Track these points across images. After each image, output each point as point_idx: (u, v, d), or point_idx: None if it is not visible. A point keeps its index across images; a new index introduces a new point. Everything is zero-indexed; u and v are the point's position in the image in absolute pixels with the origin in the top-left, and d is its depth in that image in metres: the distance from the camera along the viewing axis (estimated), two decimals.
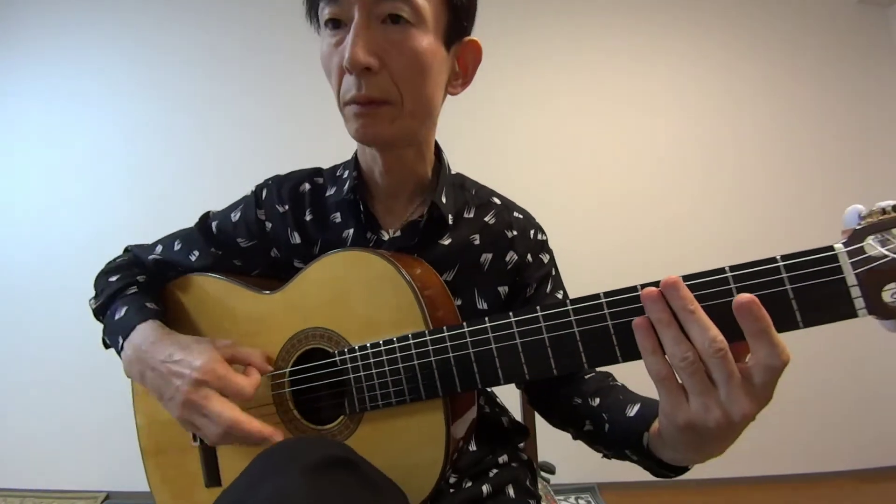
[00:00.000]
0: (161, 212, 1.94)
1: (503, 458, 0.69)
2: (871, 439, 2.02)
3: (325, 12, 0.54)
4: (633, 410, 0.54)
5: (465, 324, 0.48)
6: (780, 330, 0.34)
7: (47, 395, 1.95)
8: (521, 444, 0.74)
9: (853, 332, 1.98)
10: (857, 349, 2.03)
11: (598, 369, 0.66)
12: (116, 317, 0.63)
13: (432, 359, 0.50)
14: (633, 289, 0.38)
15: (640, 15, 2.14)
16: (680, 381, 0.38)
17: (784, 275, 0.33)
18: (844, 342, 2.03)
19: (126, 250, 0.75)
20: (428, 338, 0.50)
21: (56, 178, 2.05)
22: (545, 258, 0.72)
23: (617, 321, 0.39)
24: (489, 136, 2.07)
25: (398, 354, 0.52)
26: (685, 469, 0.49)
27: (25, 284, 2.01)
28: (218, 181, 1.99)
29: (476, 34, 0.63)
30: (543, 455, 0.95)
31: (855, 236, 0.32)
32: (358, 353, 0.54)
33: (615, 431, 0.56)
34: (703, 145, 2.11)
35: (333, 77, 0.56)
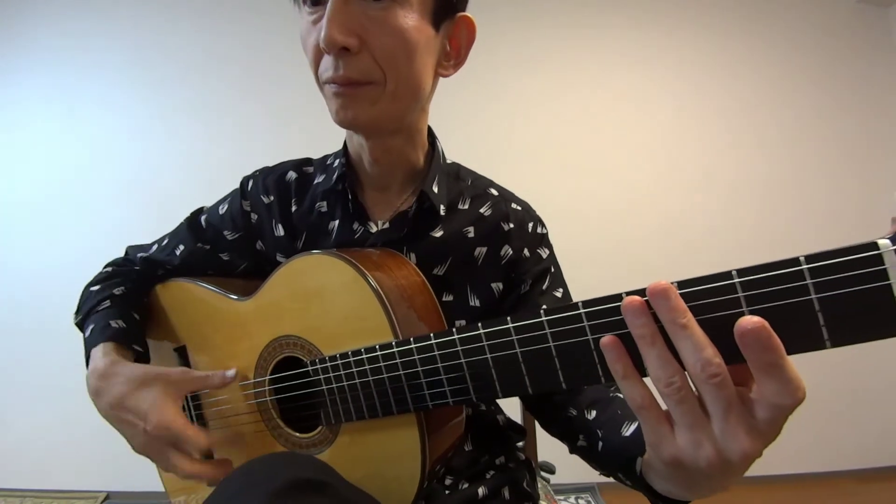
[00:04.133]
0: (162, 213, 1.89)
1: (500, 460, 0.62)
2: (871, 439, 1.90)
3: None
4: (629, 429, 0.45)
5: (432, 335, 0.40)
6: (801, 350, 0.25)
7: (47, 395, 1.85)
8: (520, 444, 0.67)
9: None
10: (855, 348, 1.88)
11: None
12: (85, 335, 0.59)
13: (401, 372, 0.42)
14: (617, 297, 0.29)
15: (641, 14, 2.03)
16: (665, 409, 0.29)
17: (808, 281, 0.23)
18: None
19: (126, 252, 0.71)
20: (395, 350, 0.43)
21: (57, 178, 1.96)
22: (543, 253, 0.62)
23: (598, 335, 0.30)
24: (489, 135, 1.98)
25: (367, 367, 0.45)
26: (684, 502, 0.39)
27: (25, 285, 1.92)
28: (219, 182, 1.91)
29: (476, 33, 0.55)
30: (543, 455, 0.87)
31: None
32: (329, 364, 0.48)
33: (608, 451, 0.47)
34: (702, 145, 2.00)
35: (310, 56, 0.49)
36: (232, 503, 0.37)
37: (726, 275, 0.26)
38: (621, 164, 1.99)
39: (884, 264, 0.22)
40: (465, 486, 0.57)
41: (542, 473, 0.98)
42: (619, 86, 2.01)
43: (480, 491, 0.57)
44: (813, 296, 0.24)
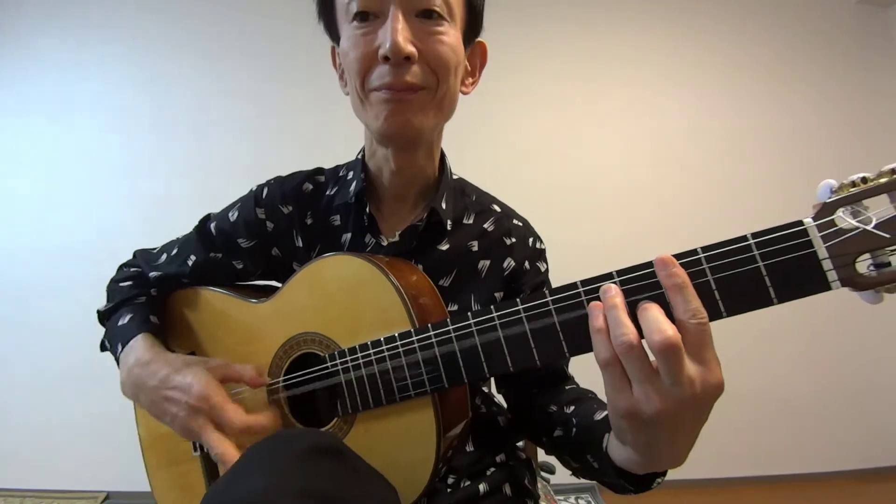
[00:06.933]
0: (161, 210, 1.91)
1: (501, 458, 0.65)
2: (871, 439, 1.94)
3: (353, 5, 0.51)
4: (601, 415, 0.51)
5: (448, 319, 0.46)
6: (755, 307, 0.31)
7: (47, 395, 1.88)
8: (520, 444, 0.70)
9: (852, 331, 1.95)
10: (856, 349, 1.95)
11: (581, 386, 0.64)
12: (120, 323, 0.61)
13: (419, 355, 0.47)
14: (610, 275, 0.36)
15: (640, 15, 2.08)
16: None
17: (756, 252, 0.31)
18: (844, 342, 1.95)
19: (134, 255, 0.72)
20: (414, 336, 0.48)
21: (57, 176, 1.99)
22: (542, 267, 0.68)
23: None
24: (491, 136, 2.02)
25: (386, 353, 0.49)
26: (646, 484, 0.45)
27: (25, 284, 1.94)
28: (217, 180, 1.89)
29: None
30: (543, 455, 0.90)
31: (825, 210, 0.29)
32: (348, 355, 0.52)
33: (580, 434, 0.52)
34: (701, 145, 2.04)
35: (358, 66, 0.52)
36: (258, 469, 0.39)
37: (693, 252, 0.33)
38: (621, 165, 2.03)
39: (808, 236, 0.29)
40: (467, 483, 0.59)
41: (542, 474, 1.00)
42: (618, 87, 2.06)
43: (481, 487, 0.59)
44: (760, 263, 0.31)
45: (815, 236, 0.29)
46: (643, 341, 0.33)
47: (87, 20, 2.04)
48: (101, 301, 0.68)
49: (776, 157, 2.03)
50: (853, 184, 0.28)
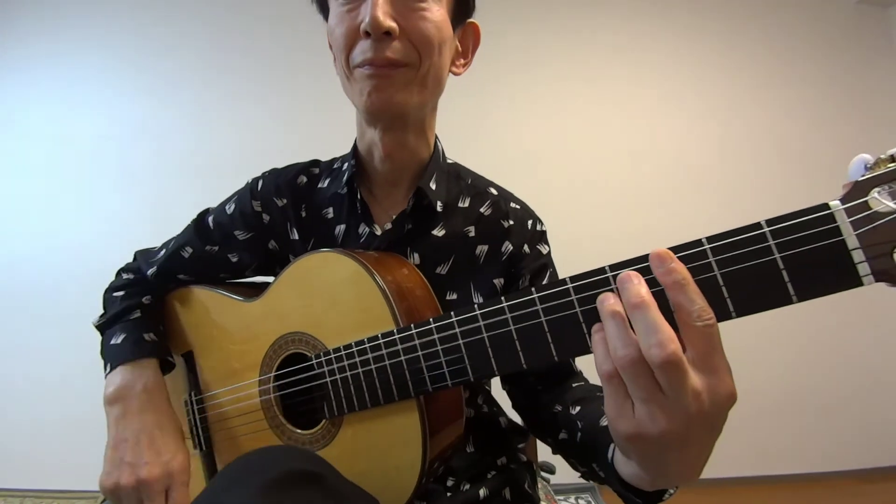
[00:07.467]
0: (160, 211, 1.90)
1: (502, 460, 0.62)
2: (871, 439, 1.90)
3: None
4: (607, 421, 0.47)
5: (431, 320, 0.42)
6: (770, 307, 0.27)
7: (47, 395, 1.86)
8: (521, 445, 0.67)
9: (853, 330, 1.90)
10: (857, 348, 1.92)
11: (589, 381, 0.59)
12: (112, 342, 0.60)
13: (402, 358, 0.44)
14: (602, 270, 0.31)
15: (641, 14, 2.06)
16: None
17: (771, 242, 0.26)
18: (844, 341, 1.92)
19: (135, 257, 0.71)
20: (397, 336, 0.44)
21: (56, 176, 1.97)
22: (543, 249, 0.64)
23: (586, 307, 0.32)
24: (492, 136, 2.00)
25: (370, 356, 0.46)
26: (655, 498, 0.40)
27: (25, 284, 1.92)
28: (216, 180, 1.88)
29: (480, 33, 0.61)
30: (543, 455, 0.87)
31: (856, 190, 0.24)
32: (332, 356, 0.49)
33: (585, 440, 0.49)
34: (701, 145, 2.01)
35: (343, 42, 0.51)
36: (225, 495, 0.37)
37: (697, 242, 0.28)
38: (622, 166, 2.00)
39: (836, 222, 0.24)
40: (467, 487, 0.57)
41: (542, 473, 0.97)
42: (619, 88, 2.03)
43: (482, 492, 0.57)
44: (776, 255, 0.26)
45: (844, 221, 0.24)
46: None
47: (87, 20, 2.03)
48: (100, 298, 0.67)
49: (775, 158, 2.01)
50: (892, 158, 0.23)
